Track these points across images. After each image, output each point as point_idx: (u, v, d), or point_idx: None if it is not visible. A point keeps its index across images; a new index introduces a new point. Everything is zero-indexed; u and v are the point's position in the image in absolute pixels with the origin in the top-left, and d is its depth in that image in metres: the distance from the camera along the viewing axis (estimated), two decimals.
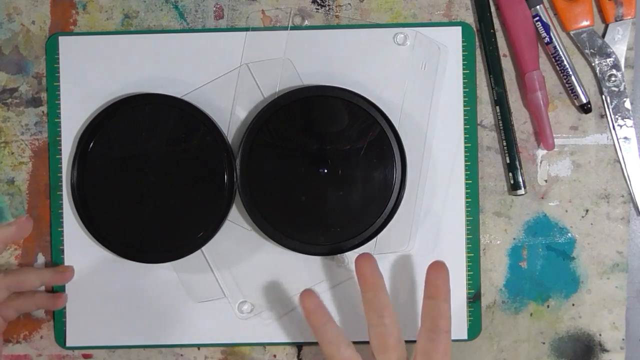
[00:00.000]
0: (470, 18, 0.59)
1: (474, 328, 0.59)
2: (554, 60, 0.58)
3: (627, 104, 0.58)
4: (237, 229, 0.59)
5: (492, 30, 0.58)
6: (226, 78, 0.58)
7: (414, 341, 0.59)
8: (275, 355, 0.59)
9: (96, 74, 0.59)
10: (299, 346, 0.59)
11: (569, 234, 0.59)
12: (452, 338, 0.59)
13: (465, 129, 0.59)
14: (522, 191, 0.58)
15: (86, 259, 0.59)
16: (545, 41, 0.58)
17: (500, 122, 0.58)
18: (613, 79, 0.58)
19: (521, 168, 0.58)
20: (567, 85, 0.58)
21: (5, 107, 0.59)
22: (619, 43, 0.58)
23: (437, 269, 0.52)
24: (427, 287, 0.52)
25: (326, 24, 0.59)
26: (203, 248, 0.57)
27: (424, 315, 0.52)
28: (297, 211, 0.57)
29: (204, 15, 0.59)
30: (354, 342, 0.59)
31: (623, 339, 0.59)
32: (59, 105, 0.59)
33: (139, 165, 0.57)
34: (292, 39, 0.58)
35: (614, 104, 0.58)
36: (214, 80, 0.58)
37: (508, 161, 0.58)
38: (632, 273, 0.60)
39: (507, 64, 0.59)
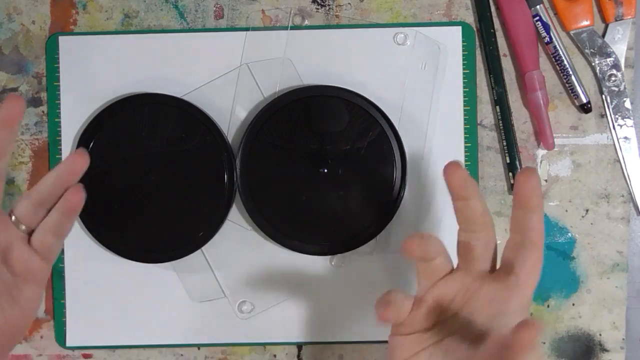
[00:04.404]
0: (470, 18, 0.59)
1: None
2: (554, 60, 0.58)
3: (627, 104, 0.58)
4: (237, 229, 0.59)
5: (492, 30, 0.58)
6: (226, 78, 0.58)
7: None
8: (275, 355, 0.59)
9: (96, 74, 0.59)
10: (299, 346, 0.59)
11: (569, 234, 0.59)
12: None
13: (465, 128, 0.59)
14: None
15: (86, 259, 0.59)
16: (545, 41, 0.58)
17: (500, 122, 0.58)
18: (613, 78, 0.58)
19: (521, 168, 0.58)
20: (567, 85, 0.58)
21: None
22: (619, 43, 0.58)
23: (527, 176, 0.45)
24: (516, 196, 0.46)
25: (326, 23, 0.59)
26: (203, 248, 0.57)
27: (512, 226, 0.46)
28: (297, 211, 0.57)
29: (204, 15, 0.59)
30: (358, 342, 0.59)
31: (623, 339, 0.59)
32: (59, 105, 0.59)
33: (139, 165, 0.57)
34: (292, 39, 0.58)
35: (614, 103, 0.58)
36: (214, 80, 0.58)
37: (508, 161, 0.58)
38: (632, 273, 0.60)
39: (507, 64, 0.59)
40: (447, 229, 0.58)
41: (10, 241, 0.48)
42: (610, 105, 0.58)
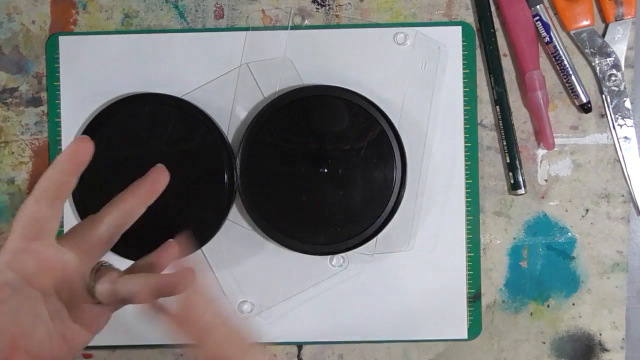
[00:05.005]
0: (470, 18, 0.59)
1: (474, 328, 0.59)
2: (554, 60, 0.58)
3: (627, 104, 0.58)
4: (237, 229, 0.59)
5: (492, 30, 0.58)
6: (226, 78, 0.58)
7: (415, 340, 0.59)
8: (275, 355, 0.59)
9: (96, 74, 0.59)
10: (299, 346, 0.59)
11: (569, 234, 0.59)
12: (452, 338, 0.59)
13: (465, 128, 0.59)
14: (522, 191, 0.58)
15: None
16: (545, 41, 0.58)
17: (500, 121, 0.58)
18: (613, 78, 0.58)
19: (521, 168, 0.58)
20: (567, 84, 0.58)
21: (5, 107, 0.59)
22: (619, 43, 0.58)
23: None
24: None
25: (326, 23, 0.59)
26: (203, 248, 0.57)
27: None
28: (297, 211, 0.57)
29: (204, 15, 0.59)
30: (358, 342, 0.59)
31: (623, 339, 0.59)
32: (59, 105, 0.59)
33: (139, 165, 0.57)
34: (292, 39, 0.58)
35: (614, 103, 0.58)
36: (214, 80, 0.58)
37: (508, 161, 0.58)
38: (632, 273, 0.60)
39: (507, 64, 0.59)
40: (447, 229, 0.58)
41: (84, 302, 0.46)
42: (610, 105, 0.58)
